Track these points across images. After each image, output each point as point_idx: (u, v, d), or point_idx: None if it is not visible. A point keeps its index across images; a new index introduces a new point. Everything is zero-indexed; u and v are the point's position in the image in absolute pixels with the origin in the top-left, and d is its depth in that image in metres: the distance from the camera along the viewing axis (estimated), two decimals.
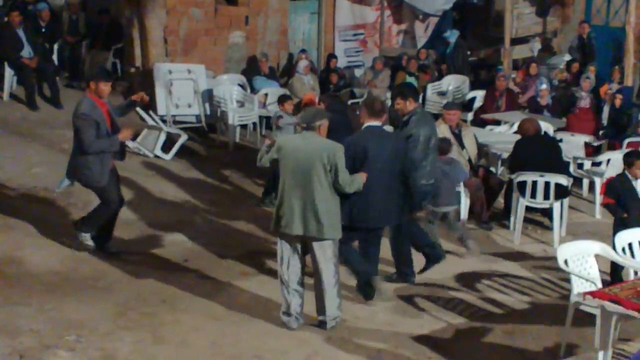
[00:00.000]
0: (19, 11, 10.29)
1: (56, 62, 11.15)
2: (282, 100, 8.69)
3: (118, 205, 6.41)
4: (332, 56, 12.42)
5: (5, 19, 10.45)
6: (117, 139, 6.27)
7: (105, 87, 6.20)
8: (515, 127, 8.64)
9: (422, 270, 6.23)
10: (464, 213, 7.61)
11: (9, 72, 10.08)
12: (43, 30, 10.84)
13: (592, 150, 9.30)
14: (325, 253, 5.16)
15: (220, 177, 8.98)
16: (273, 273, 6.17)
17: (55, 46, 11.20)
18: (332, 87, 11.83)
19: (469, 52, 13.05)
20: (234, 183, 8.86)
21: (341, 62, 12.84)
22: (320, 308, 5.27)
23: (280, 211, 5.13)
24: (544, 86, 10.49)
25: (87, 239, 6.35)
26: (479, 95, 11.34)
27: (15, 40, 9.95)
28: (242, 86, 11.12)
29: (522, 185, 7.34)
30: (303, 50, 12.07)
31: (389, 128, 7.26)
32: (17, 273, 5.90)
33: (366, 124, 5.70)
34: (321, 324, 5.29)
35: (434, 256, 6.24)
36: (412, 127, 5.99)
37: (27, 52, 10.01)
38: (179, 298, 5.68)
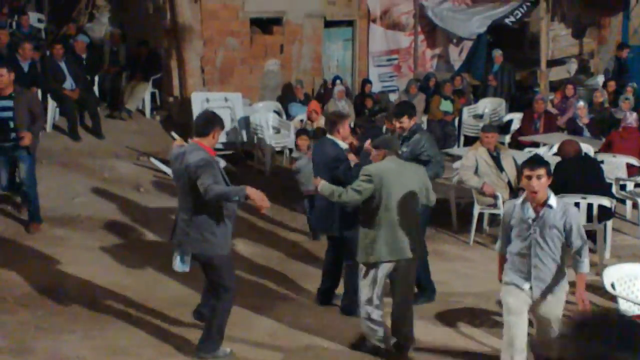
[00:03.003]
0: (62, 44, 10.58)
1: (97, 93, 11.41)
2: (297, 135, 8.48)
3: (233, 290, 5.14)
4: (366, 81, 12.48)
5: (48, 52, 10.76)
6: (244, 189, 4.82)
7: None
8: (554, 149, 8.54)
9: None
10: None
11: (52, 104, 10.33)
12: (84, 62, 11.11)
13: (636, 171, 9.13)
14: (409, 271, 5.23)
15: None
16: (314, 297, 6.18)
17: (96, 78, 11.47)
18: (367, 112, 11.88)
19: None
20: (271, 208, 8.88)
21: (375, 87, 12.90)
22: (396, 330, 5.26)
23: (383, 239, 5.02)
24: (581, 103, 10.38)
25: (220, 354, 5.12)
26: (516, 117, 11.26)
27: (58, 73, 10.21)
28: (277, 113, 11.22)
29: None
30: (337, 78, 12.17)
31: None
32: (62, 301, 5.99)
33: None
34: (400, 347, 5.27)
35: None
36: (427, 147, 6.13)
37: (69, 84, 10.26)
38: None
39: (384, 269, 5.09)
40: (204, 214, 4.83)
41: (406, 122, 6.16)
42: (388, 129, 6.43)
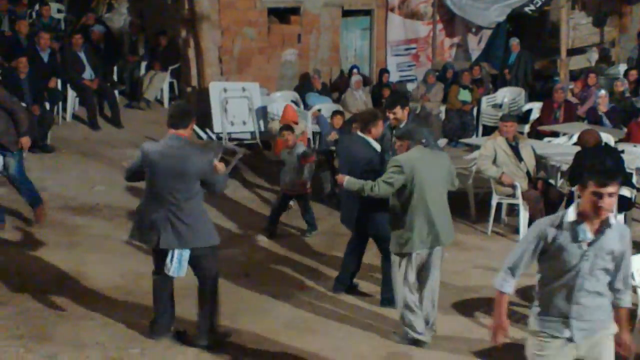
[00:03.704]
0: (81, 34, 10.64)
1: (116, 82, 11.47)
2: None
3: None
4: (384, 71, 12.43)
5: (67, 42, 10.83)
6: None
7: None
8: (574, 139, 8.47)
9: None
10: (523, 226, 7.48)
11: (71, 94, 10.41)
12: (102, 51, 11.17)
13: None
14: (440, 258, 5.27)
15: (275, 192, 9.05)
16: (330, 286, 6.20)
17: (115, 68, 11.53)
18: (384, 101, 11.82)
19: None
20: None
21: (393, 76, 12.84)
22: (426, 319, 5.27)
23: (417, 229, 5.02)
24: (603, 92, 10.27)
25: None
26: (536, 107, 11.17)
27: (77, 63, 10.28)
28: (295, 102, 11.22)
29: None
30: (355, 67, 12.13)
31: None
32: (81, 288, 6.06)
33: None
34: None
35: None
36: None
37: (88, 74, 10.33)
38: (238, 312, 5.72)
39: (419, 258, 5.11)
40: (198, 205, 4.85)
41: (399, 113, 5.99)
42: (413, 120, 6.33)
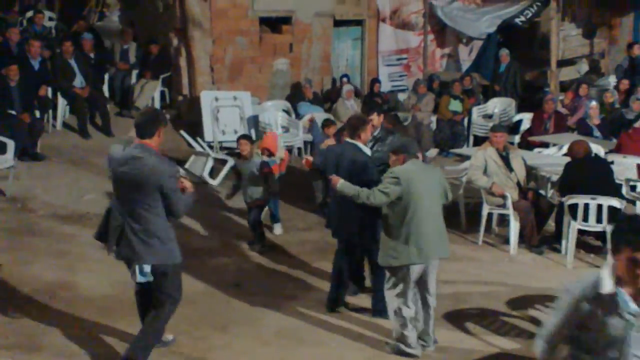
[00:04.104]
0: (72, 42, 10.61)
1: (107, 91, 11.44)
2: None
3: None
4: (375, 80, 12.47)
5: (58, 50, 10.81)
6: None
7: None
8: (564, 149, 8.51)
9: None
10: (514, 236, 7.50)
11: (62, 102, 10.37)
12: (92, 60, 11.15)
13: None
14: (435, 271, 5.27)
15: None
16: (321, 296, 6.18)
17: (106, 76, 11.50)
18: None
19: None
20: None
21: (385, 86, 12.89)
22: (424, 330, 5.29)
23: (412, 241, 5.00)
24: (594, 102, 10.34)
25: None
26: (526, 117, 11.23)
27: (68, 70, 10.26)
28: (286, 112, 11.23)
29: (573, 208, 7.21)
30: (345, 76, 12.18)
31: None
32: (71, 297, 6.02)
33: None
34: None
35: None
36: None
37: (79, 81, 10.30)
38: (229, 322, 5.71)
39: (414, 271, 5.07)
40: (160, 220, 4.54)
41: (375, 119, 6.12)
42: (388, 129, 6.43)
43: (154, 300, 4.76)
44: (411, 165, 5.10)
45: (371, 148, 6.00)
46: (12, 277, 6.28)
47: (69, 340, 5.23)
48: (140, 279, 4.63)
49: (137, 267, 4.59)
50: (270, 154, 7.67)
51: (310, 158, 7.25)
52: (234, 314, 5.87)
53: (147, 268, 4.59)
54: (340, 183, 5.34)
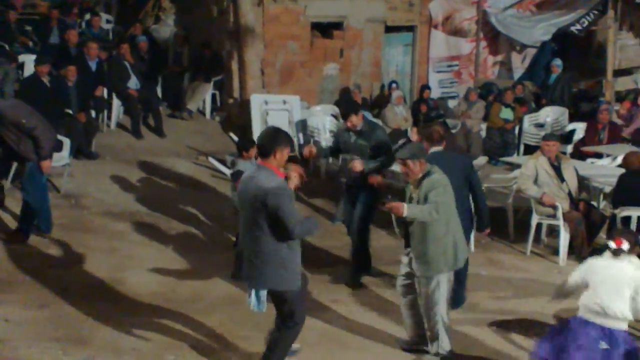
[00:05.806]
0: (128, 44, 10.86)
1: (160, 93, 11.67)
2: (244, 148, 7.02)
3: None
4: (425, 87, 12.40)
5: (114, 52, 11.07)
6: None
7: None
8: (618, 161, 8.31)
9: None
10: (563, 247, 7.35)
11: (116, 103, 10.62)
12: (147, 62, 11.38)
13: None
14: None
15: (313, 205, 9.08)
16: (361, 300, 6.18)
17: (160, 78, 11.73)
18: (422, 117, 11.76)
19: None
20: (326, 210, 8.93)
21: (435, 93, 12.80)
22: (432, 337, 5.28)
23: (458, 244, 5.17)
24: None
25: None
26: (579, 127, 11.00)
27: (123, 72, 10.49)
28: (334, 117, 11.25)
29: (626, 220, 7.03)
30: (393, 82, 12.15)
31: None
32: (120, 294, 6.14)
33: (430, 151, 5.91)
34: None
35: None
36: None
37: (133, 83, 10.53)
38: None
39: (452, 273, 5.19)
40: (274, 246, 4.42)
41: (354, 119, 6.55)
42: (369, 122, 6.92)
43: (275, 320, 4.74)
44: (440, 171, 5.13)
45: (354, 141, 6.56)
46: (64, 272, 6.44)
47: (117, 336, 5.33)
48: (254, 305, 4.56)
49: (251, 292, 4.56)
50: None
51: (314, 147, 6.87)
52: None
53: (262, 294, 4.52)
54: (407, 211, 4.98)
